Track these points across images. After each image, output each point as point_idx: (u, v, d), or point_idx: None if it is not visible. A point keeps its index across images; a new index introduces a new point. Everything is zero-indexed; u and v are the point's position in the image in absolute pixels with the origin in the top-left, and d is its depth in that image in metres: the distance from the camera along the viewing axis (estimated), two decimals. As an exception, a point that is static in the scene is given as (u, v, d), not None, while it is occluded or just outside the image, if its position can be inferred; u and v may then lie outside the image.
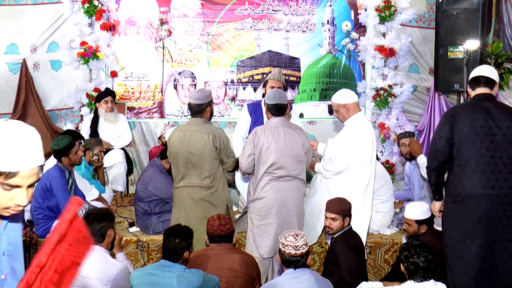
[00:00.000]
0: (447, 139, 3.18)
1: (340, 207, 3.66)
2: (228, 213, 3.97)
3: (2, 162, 1.43)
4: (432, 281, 2.78)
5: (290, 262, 2.90)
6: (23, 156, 1.45)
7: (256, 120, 4.61)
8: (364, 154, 3.97)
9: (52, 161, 4.42)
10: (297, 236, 2.93)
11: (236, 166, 4.09)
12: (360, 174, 4.00)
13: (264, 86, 4.62)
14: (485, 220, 3.09)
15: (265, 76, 6.08)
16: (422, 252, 2.79)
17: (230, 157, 3.98)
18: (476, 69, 3.39)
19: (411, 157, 4.84)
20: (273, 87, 4.38)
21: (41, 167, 1.52)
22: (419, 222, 3.69)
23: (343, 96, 4.04)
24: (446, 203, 3.29)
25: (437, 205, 3.43)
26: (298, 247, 2.88)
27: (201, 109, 3.90)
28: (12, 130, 1.46)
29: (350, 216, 3.71)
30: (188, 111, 4.05)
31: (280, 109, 3.85)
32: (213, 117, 6.09)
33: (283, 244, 2.91)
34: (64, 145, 4.21)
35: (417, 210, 3.72)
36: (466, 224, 3.13)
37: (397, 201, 5.02)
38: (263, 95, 4.50)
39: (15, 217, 1.65)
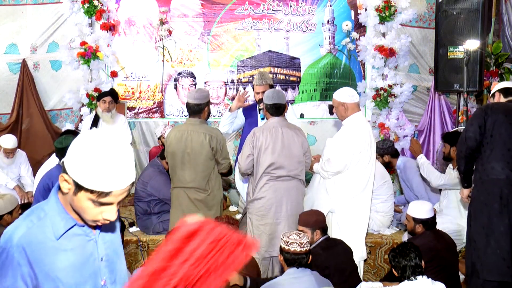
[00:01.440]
0: (478, 126, 3.32)
1: (307, 220, 3.51)
2: (222, 211, 4.08)
3: (96, 182, 1.40)
4: (430, 280, 2.79)
5: (295, 260, 2.90)
6: (116, 177, 1.40)
7: (251, 121, 4.61)
8: (362, 154, 3.96)
9: (53, 161, 4.41)
10: (300, 235, 2.96)
11: (229, 171, 4.13)
12: (359, 174, 3.99)
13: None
14: (510, 201, 3.25)
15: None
16: (406, 251, 2.85)
17: (225, 158, 4.01)
18: (506, 82, 3.68)
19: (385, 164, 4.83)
20: (258, 93, 4.47)
21: (133, 182, 1.47)
22: (416, 221, 3.67)
23: (343, 95, 4.00)
24: (475, 186, 3.43)
25: (465, 191, 3.61)
26: (303, 244, 2.90)
27: (199, 109, 3.91)
28: (106, 147, 1.41)
29: (321, 229, 3.51)
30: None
31: (278, 109, 3.85)
32: (213, 117, 6.15)
33: (287, 242, 2.91)
34: (69, 144, 4.18)
35: (416, 208, 3.70)
36: (494, 204, 3.27)
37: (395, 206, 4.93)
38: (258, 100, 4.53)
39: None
